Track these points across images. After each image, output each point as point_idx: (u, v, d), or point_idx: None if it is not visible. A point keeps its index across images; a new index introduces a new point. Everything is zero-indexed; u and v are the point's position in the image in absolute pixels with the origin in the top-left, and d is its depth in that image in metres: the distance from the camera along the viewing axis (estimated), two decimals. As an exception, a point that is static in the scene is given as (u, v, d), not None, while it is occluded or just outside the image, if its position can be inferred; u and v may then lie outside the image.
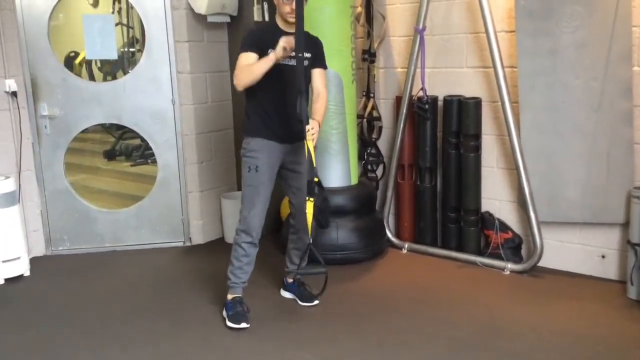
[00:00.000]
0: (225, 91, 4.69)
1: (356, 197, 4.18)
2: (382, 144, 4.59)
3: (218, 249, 4.52)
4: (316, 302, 3.49)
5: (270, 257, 4.23)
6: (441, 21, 4.16)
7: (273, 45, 3.01)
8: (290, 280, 3.61)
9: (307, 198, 3.12)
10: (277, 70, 3.04)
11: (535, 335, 3.07)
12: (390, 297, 3.60)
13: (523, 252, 4.06)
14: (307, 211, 3.13)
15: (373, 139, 4.55)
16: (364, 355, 2.92)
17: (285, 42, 2.98)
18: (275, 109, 3.16)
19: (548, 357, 2.85)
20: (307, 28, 3.33)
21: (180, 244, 4.64)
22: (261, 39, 3.10)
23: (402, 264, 4.17)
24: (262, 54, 3.05)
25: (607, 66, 3.52)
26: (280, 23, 3.18)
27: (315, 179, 3.14)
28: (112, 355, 3.00)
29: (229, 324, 3.20)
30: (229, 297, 3.31)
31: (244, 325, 3.17)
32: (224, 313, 3.29)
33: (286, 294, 3.62)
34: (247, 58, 3.05)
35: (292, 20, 3.07)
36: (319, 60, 3.29)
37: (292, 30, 3.06)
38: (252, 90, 3.12)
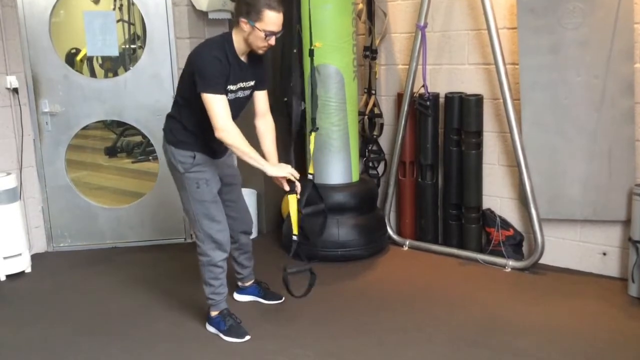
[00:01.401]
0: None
1: (357, 194, 4.18)
2: (384, 141, 4.59)
3: (219, 246, 4.51)
4: (282, 299, 3.47)
5: (271, 255, 4.24)
6: (443, 18, 4.16)
7: (231, 79, 2.85)
8: (248, 284, 3.51)
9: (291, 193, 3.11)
10: (228, 100, 2.87)
11: (536, 332, 3.07)
12: (391, 295, 3.60)
13: (524, 249, 4.05)
14: (290, 206, 3.13)
15: (374, 136, 4.54)
16: (365, 353, 2.93)
17: (290, 175, 2.92)
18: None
19: (549, 355, 2.86)
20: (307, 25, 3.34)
21: (182, 240, 4.64)
22: (223, 75, 2.82)
23: (403, 261, 4.16)
24: (225, 91, 2.85)
25: (608, 63, 3.51)
26: (239, 48, 2.87)
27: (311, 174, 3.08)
28: (112, 352, 3.01)
29: (229, 339, 3.07)
30: (214, 313, 3.15)
31: (247, 337, 3.07)
32: (211, 329, 3.15)
33: (243, 298, 3.51)
34: (224, 104, 2.80)
35: (263, 52, 2.89)
36: (261, 82, 3.09)
37: (244, 60, 2.91)
38: (194, 108, 2.88)
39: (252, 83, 3.02)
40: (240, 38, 2.85)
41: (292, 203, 3.15)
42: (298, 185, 3.03)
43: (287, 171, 2.95)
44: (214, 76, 2.79)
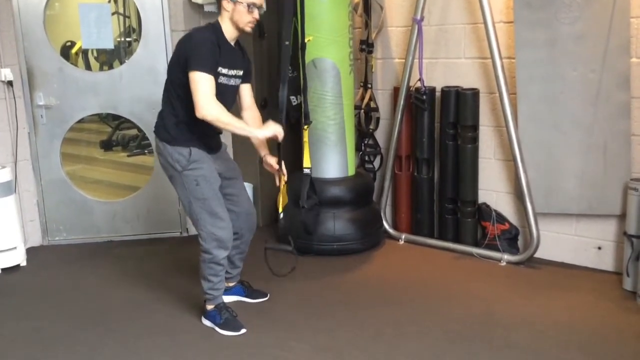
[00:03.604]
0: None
1: (353, 188, 4.18)
2: (380, 135, 4.58)
3: (215, 240, 4.51)
4: (268, 296, 3.46)
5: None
6: (439, 11, 4.15)
7: (222, 61, 2.86)
8: (232, 284, 3.43)
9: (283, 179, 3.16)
10: (221, 85, 2.90)
11: (531, 326, 3.08)
12: (387, 288, 3.60)
13: (519, 243, 4.06)
14: (281, 190, 3.18)
15: (370, 130, 4.54)
16: (361, 346, 2.93)
17: (278, 133, 2.94)
18: (209, 124, 2.88)
19: (544, 348, 2.87)
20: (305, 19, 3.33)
21: (177, 234, 4.63)
22: (214, 56, 2.83)
23: (398, 255, 4.17)
24: (214, 73, 2.83)
25: (605, 57, 3.51)
26: (228, 32, 2.91)
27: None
28: (108, 345, 3.01)
29: (225, 332, 3.07)
30: (210, 306, 3.14)
31: (243, 331, 3.07)
32: (207, 323, 3.15)
33: (227, 298, 3.35)
34: (211, 84, 2.80)
35: (250, 29, 2.94)
36: (247, 75, 3.12)
37: (233, 45, 2.94)
38: (188, 97, 2.83)
39: (241, 72, 3.03)
40: (227, 22, 2.90)
41: (282, 188, 3.21)
42: (283, 169, 3.15)
43: (273, 129, 2.94)
44: (205, 55, 2.80)
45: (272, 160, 3.15)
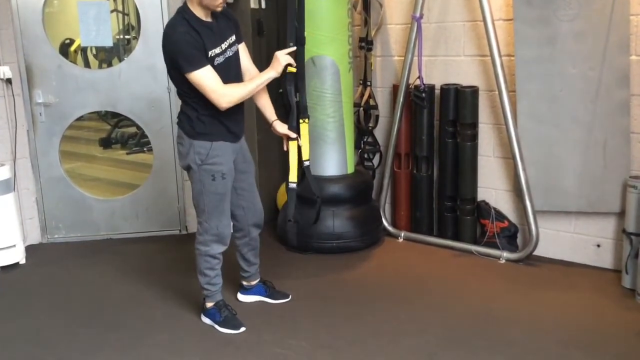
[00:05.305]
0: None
1: (352, 185, 4.18)
2: (379, 133, 4.58)
3: (214, 238, 4.50)
4: (289, 297, 3.43)
5: (266, 247, 4.22)
6: (438, 9, 4.14)
7: (209, 44, 2.80)
8: (254, 282, 3.41)
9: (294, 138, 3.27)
10: (220, 65, 2.86)
11: (530, 323, 3.08)
12: (386, 286, 3.61)
13: (519, 241, 4.06)
14: (291, 151, 3.27)
15: (370, 128, 4.53)
16: (361, 344, 2.93)
17: (289, 60, 3.00)
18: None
19: (543, 346, 2.87)
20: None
21: (176, 232, 4.63)
22: (198, 47, 2.77)
23: (398, 252, 4.17)
24: (207, 60, 2.80)
25: (604, 55, 3.51)
26: (199, 12, 2.82)
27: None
28: (107, 343, 3.01)
29: (224, 330, 3.07)
30: (209, 304, 3.14)
31: (243, 329, 3.07)
32: (207, 320, 3.15)
33: (248, 298, 3.41)
34: (212, 75, 2.79)
35: (221, 9, 2.84)
36: (239, 36, 3.03)
37: (210, 20, 2.85)
38: (201, 96, 2.83)
39: (233, 37, 2.97)
40: (194, 3, 2.82)
41: (292, 149, 3.26)
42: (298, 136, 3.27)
43: (284, 61, 2.99)
44: (189, 52, 2.76)
45: (282, 129, 3.22)
